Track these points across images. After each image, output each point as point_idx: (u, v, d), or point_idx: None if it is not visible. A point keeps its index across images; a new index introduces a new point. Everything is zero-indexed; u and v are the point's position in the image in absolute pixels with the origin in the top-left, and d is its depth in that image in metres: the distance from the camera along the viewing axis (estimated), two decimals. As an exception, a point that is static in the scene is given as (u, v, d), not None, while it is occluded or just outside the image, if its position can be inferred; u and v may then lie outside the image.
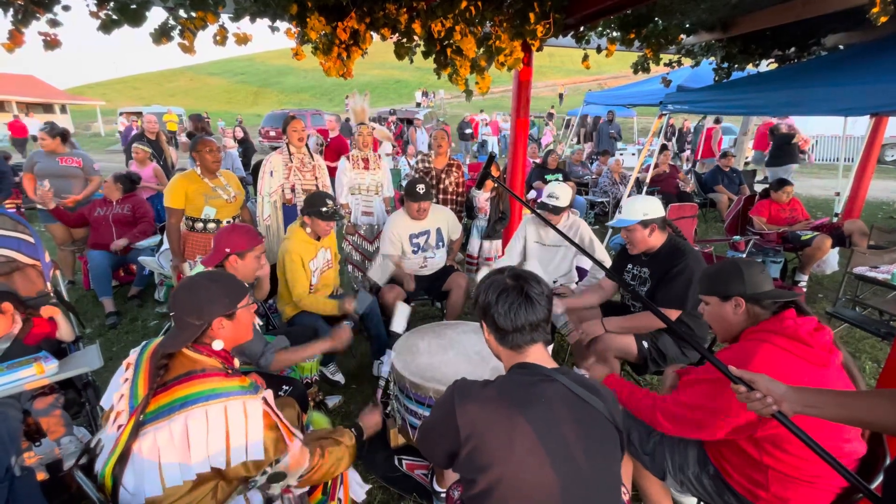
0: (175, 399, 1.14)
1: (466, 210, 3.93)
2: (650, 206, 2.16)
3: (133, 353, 1.28)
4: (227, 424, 1.13)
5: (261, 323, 2.15)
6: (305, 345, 2.05)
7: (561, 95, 26.55)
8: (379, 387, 2.00)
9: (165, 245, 3.61)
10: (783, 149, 7.14)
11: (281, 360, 1.95)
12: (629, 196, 5.44)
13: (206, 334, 1.27)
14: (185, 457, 1.11)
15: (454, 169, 3.76)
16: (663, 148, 6.85)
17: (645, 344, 2.16)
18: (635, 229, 2.16)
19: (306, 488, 1.47)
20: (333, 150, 5.58)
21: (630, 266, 2.36)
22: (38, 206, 3.84)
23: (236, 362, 1.40)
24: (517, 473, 0.95)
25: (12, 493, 1.43)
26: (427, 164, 3.75)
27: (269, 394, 1.25)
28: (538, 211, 2.43)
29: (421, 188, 2.93)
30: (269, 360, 1.93)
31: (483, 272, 2.63)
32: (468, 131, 14.33)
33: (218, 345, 1.28)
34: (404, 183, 3.85)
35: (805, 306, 1.39)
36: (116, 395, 1.22)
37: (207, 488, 1.17)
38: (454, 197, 3.76)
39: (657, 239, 2.19)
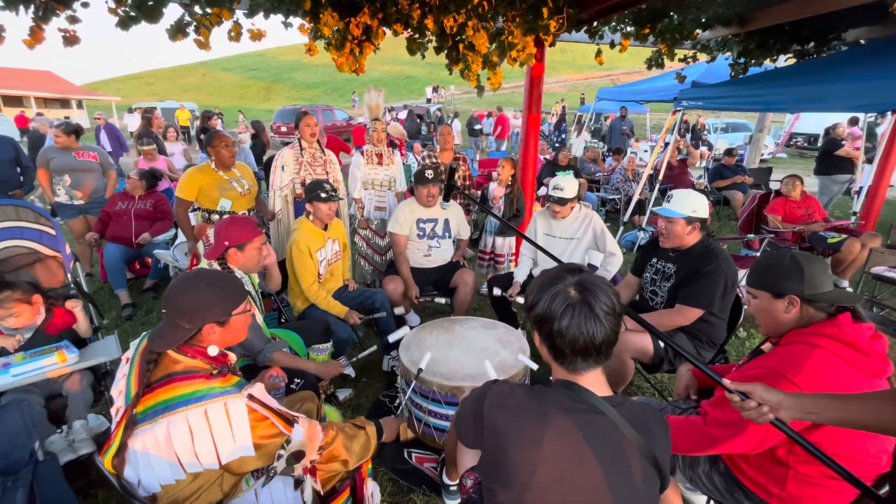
0: (157, 403, 1.12)
1: (480, 203, 3.96)
2: (700, 205, 2.13)
3: (132, 347, 1.27)
4: (210, 427, 1.11)
5: (260, 319, 2.13)
6: (300, 358, 2.13)
7: (563, 107, 23.87)
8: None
9: (180, 238, 3.67)
10: (832, 155, 6.00)
11: (277, 360, 1.98)
12: (640, 193, 5.40)
13: (195, 338, 1.24)
14: (173, 459, 1.11)
15: (460, 162, 3.83)
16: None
17: (661, 343, 2.15)
18: (678, 223, 2.14)
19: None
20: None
21: (655, 260, 2.34)
22: (59, 201, 3.93)
23: (231, 357, 1.37)
24: (535, 502, 0.92)
25: (36, 477, 1.48)
26: (434, 160, 3.82)
27: (257, 388, 1.20)
28: (518, 230, 2.44)
29: (429, 173, 3.01)
30: (267, 356, 1.96)
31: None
32: (477, 127, 14.28)
33: (213, 350, 1.25)
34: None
35: (862, 311, 1.30)
36: (115, 391, 1.22)
37: (212, 478, 1.17)
38: (462, 190, 3.79)
39: (693, 238, 2.17)
